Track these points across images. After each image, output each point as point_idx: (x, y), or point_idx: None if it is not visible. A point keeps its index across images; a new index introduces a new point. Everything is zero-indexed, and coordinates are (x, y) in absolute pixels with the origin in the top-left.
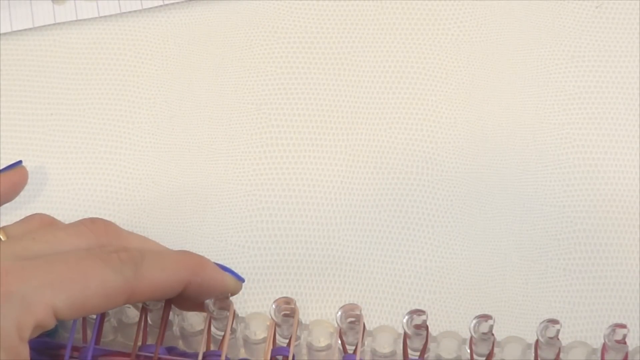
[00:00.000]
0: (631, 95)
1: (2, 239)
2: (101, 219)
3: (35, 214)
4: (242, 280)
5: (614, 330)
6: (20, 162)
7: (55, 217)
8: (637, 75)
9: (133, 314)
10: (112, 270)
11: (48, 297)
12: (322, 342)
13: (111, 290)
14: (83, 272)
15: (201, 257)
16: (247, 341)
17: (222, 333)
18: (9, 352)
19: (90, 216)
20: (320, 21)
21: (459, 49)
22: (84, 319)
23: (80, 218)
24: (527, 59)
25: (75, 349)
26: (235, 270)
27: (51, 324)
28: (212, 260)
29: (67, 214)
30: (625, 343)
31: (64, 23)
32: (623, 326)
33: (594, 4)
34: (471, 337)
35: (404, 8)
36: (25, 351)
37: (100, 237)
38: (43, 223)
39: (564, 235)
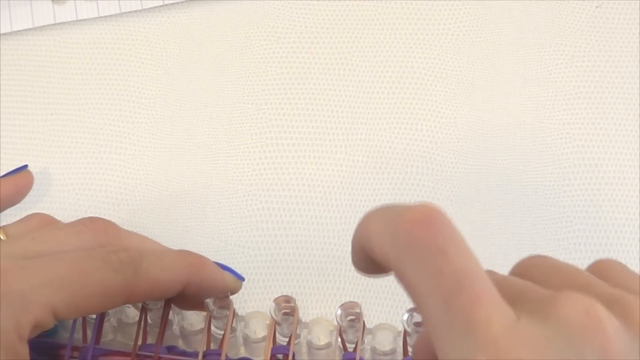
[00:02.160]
0: (631, 95)
1: (2, 238)
2: (101, 219)
3: (35, 213)
4: (242, 279)
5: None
6: (25, 166)
7: (56, 216)
8: (637, 75)
9: (133, 313)
10: (112, 270)
11: (47, 296)
12: (322, 340)
13: (110, 290)
14: (82, 272)
15: (201, 256)
16: (247, 340)
17: (222, 332)
18: (9, 351)
19: (91, 216)
20: (320, 21)
21: (459, 49)
22: (84, 318)
23: (80, 218)
24: (527, 59)
25: (75, 348)
26: (235, 270)
27: (50, 323)
28: (212, 260)
29: (67, 214)
30: None
31: (64, 23)
32: None
33: (594, 4)
34: None
35: (404, 8)
36: (25, 350)
37: (99, 236)
38: (42, 223)
39: (564, 235)
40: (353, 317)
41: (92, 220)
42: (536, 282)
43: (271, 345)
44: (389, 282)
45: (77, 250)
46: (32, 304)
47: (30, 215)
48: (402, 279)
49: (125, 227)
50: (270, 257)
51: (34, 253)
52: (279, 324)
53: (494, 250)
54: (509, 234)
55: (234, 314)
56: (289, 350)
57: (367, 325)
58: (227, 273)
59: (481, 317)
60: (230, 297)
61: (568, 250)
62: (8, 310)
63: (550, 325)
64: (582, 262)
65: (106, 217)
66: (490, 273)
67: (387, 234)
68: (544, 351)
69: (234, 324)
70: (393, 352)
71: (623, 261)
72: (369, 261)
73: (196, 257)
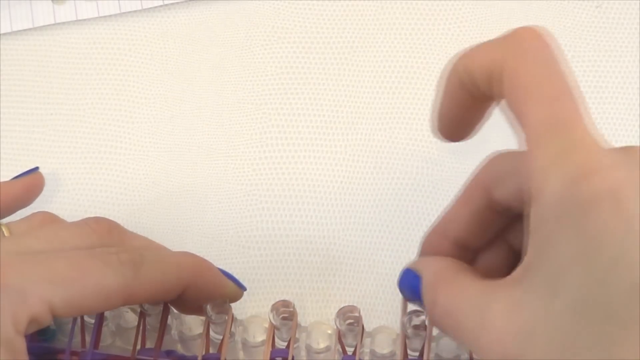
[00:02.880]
0: (631, 95)
1: (6, 234)
2: (106, 219)
3: (39, 211)
4: (243, 288)
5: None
6: (36, 168)
7: None
8: (637, 75)
9: (131, 318)
10: (111, 270)
11: (45, 291)
12: (321, 343)
13: (109, 291)
14: (82, 271)
15: (203, 260)
16: (245, 344)
17: (221, 336)
18: (6, 344)
19: (90, 216)
20: (320, 21)
21: (459, 49)
22: (82, 323)
23: (80, 218)
24: None
25: (74, 353)
26: (235, 270)
27: (47, 319)
28: (214, 263)
29: (67, 214)
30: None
31: (64, 23)
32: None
33: (594, 4)
34: None
35: (404, 8)
36: (22, 344)
37: (102, 237)
38: (46, 221)
39: None
40: (352, 321)
41: (97, 220)
42: None
43: (270, 350)
44: (389, 284)
45: (78, 249)
46: (30, 298)
47: (35, 213)
48: (510, 82)
49: (125, 227)
50: (270, 257)
51: (36, 250)
52: (278, 329)
53: None
54: None
55: (233, 318)
56: (288, 354)
57: (367, 328)
58: (228, 280)
59: (582, 127)
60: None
61: None
62: (6, 304)
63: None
64: None
65: (106, 217)
66: None
67: (496, 47)
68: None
69: (232, 329)
70: (392, 354)
71: None
72: (459, 97)
73: (198, 260)
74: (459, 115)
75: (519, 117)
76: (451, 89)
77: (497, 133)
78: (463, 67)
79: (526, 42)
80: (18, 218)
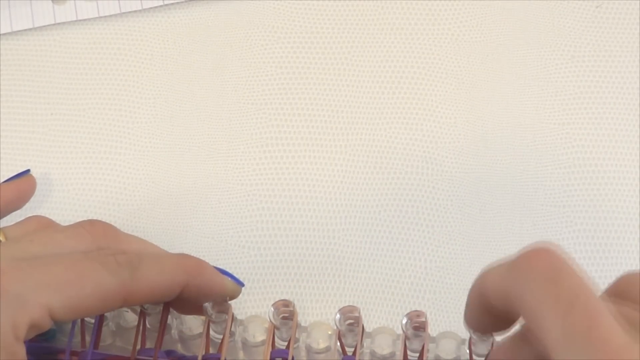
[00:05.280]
0: (631, 95)
1: (1, 240)
2: (100, 222)
3: (33, 216)
4: (241, 284)
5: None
6: (28, 170)
7: (55, 216)
8: (637, 75)
9: (131, 318)
10: (109, 272)
11: (44, 297)
12: (321, 344)
13: (107, 293)
14: (79, 274)
15: (199, 260)
16: (245, 344)
17: (221, 336)
18: (6, 351)
19: (90, 216)
20: (320, 21)
21: (459, 49)
22: (82, 323)
23: (80, 218)
24: (527, 59)
25: (74, 353)
26: (235, 270)
27: (47, 324)
28: (212, 263)
29: (66, 214)
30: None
31: (64, 23)
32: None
33: (594, 4)
34: (470, 338)
35: (404, 8)
36: (21, 350)
37: (98, 239)
38: (41, 225)
39: (564, 235)
40: (352, 321)
41: (91, 222)
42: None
43: (270, 349)
44: (389, 284)
45: (75, 252)
46: (29, 304)
47: (29, 217)
48: (521, 306)
49: (125, 227)
50: (270, 257)
51: (32, 255)
52: (278, 328)
53: (494, 250)
54: (509, 234)
55: (233, 318)
56: (288, 354)
57: (367, 329)
58: (226, 278)
59: (601, 332)
60: (230, 302)
61: (568, 250)
62: (5, 310)
63: None
64: (582, 262)
65: (106, 217)
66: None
67: (506, 272)
68: None
69: (232, 328)
70: (392, 355)
71: (623, 261)
72: (484, 313)
73: (195, 261)
74: (486, 322)
75: (540, 338)
76: (474, 307)
77: (496, 132)
78: (480, 289)
79: (532, 267)
80: (10, 222)
